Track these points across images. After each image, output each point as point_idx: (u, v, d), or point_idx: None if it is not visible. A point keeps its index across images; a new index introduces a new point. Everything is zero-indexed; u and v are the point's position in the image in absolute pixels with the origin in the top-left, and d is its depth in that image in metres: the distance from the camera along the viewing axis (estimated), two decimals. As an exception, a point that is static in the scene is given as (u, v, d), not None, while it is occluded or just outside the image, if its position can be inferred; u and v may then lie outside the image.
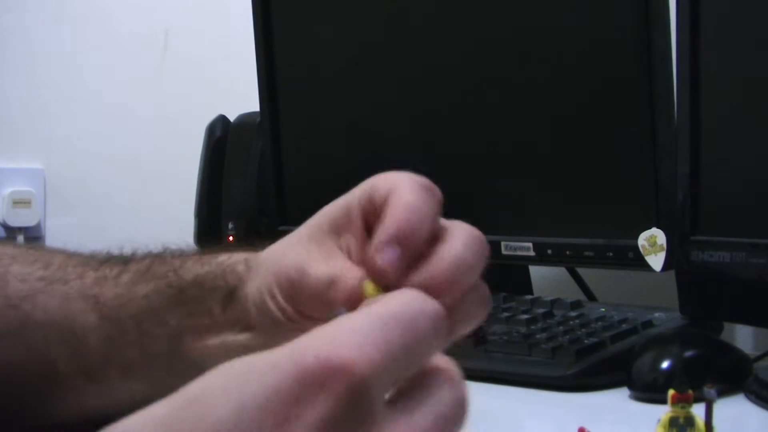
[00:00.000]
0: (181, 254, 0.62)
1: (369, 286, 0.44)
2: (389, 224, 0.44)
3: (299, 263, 0.52)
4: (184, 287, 0.60)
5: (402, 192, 0.45)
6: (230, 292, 0.58)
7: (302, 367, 0.33)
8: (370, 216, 0.48)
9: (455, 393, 0.37)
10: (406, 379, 0.36)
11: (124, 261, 0.63)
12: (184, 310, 0.59)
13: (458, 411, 0.36)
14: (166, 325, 0.60)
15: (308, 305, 0.52)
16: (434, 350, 0.37)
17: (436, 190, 0.46)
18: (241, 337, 0.57)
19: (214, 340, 0.58)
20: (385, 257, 0.43)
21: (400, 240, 0.43)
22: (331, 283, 0.49)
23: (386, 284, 0.43)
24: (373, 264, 0.43)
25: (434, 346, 0.37)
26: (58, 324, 0.60)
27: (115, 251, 0.64)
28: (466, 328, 0.46)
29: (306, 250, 0.52)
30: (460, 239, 0.45)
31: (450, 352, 0.38)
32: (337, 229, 0.51)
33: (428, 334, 0.36)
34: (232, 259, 0.59)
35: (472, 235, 0.45)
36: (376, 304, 0.36)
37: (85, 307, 0.60)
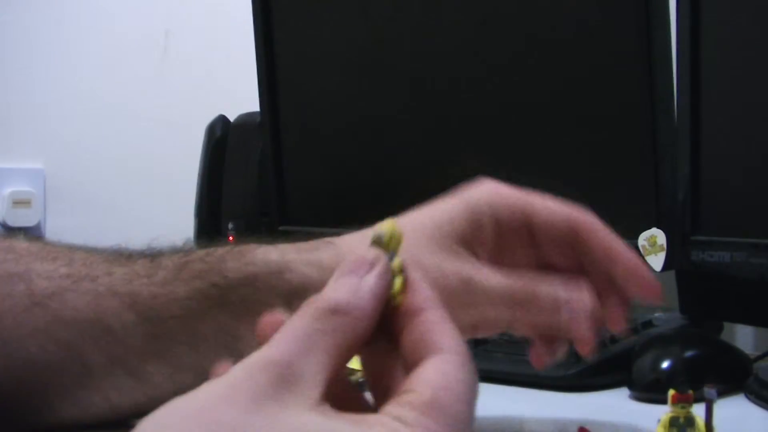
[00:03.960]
0: (211, 251, 0.62)
1: None
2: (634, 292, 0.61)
3: (461, 273, 0.60)
4: (233, 287, 0.60)
5: (630, 262, 0.62)
6: (294, 291, 0.59)
7: None
8: (512, 235, 0.63)
9: None
10: None
11: (148, 258, 0.63)
12: (235, 308, 0.60)
13: None
14: (216, 323, 0.60)
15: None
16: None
17: None
18: None
19: None
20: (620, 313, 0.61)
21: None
22: (559, 303, 0.61)
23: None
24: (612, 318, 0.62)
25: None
26: (89, 322, 0.60)
27: (133, 247, 0.64)
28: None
29: (459, 260, 0.61)
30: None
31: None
32: (466, 242, 0.61)
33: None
34: (288, 257, 0.61)
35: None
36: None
37: (119, 305, 0.60)
